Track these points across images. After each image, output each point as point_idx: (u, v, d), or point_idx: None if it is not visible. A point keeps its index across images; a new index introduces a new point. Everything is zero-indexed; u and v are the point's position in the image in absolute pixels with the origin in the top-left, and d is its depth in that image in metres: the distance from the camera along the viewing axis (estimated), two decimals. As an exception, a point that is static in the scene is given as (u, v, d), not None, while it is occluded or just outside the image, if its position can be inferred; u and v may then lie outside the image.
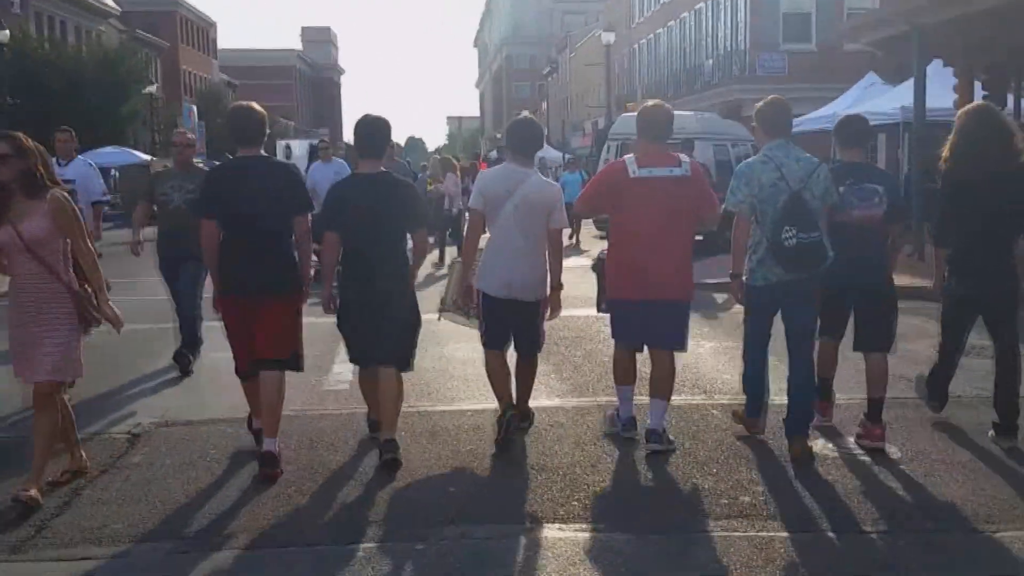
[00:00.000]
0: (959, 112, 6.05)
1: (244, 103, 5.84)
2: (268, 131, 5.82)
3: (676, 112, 18.67)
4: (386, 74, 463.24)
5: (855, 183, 5.81)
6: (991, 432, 6.01)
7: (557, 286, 5.97)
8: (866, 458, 5.77)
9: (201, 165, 8.16)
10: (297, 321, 5.65)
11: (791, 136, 5.80)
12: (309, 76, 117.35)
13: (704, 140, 18.51)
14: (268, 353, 5.48)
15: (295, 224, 5.58)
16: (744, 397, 6.19)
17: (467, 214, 6.92)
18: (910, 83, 21.00)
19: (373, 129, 5.74)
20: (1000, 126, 5.81)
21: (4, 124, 38.52)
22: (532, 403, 6.49)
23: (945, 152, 5.90)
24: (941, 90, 17.03)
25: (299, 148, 24.16)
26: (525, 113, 6.46)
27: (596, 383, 7.70)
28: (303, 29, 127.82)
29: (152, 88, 44.38)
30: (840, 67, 29.14)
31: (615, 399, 6.33)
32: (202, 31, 72.82)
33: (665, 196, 5.62)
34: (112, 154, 35.59)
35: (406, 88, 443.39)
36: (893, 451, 5.88)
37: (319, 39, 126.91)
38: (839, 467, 5.64)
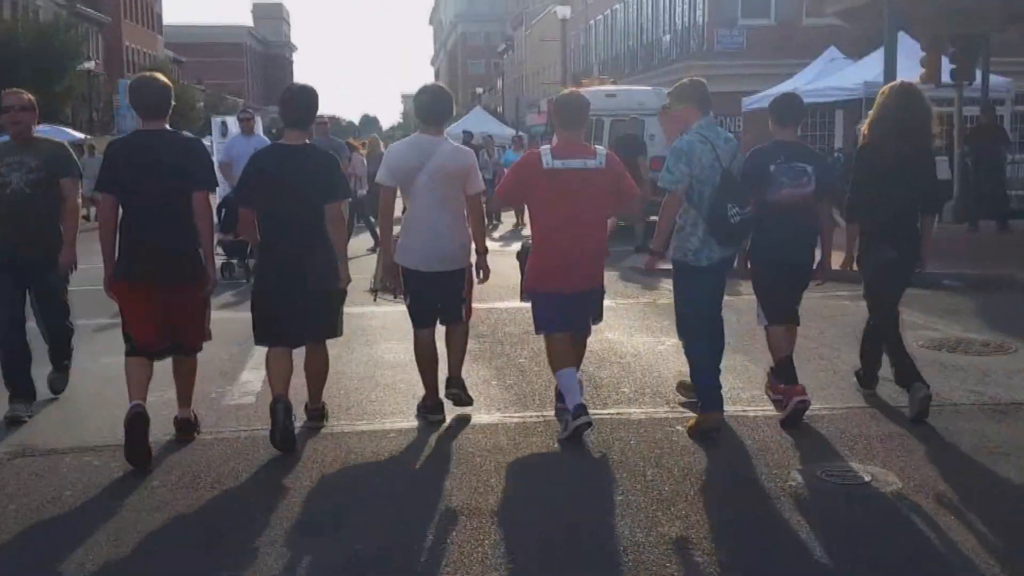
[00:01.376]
0: (881, 89, 6.08)
1: (148, 74, 5.62)
2: (172, 103, 5.53)
3: (634, 88, 17.54)
4: (340, 51, 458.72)
5: (784, 162, 5.83)
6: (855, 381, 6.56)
7: (482, 250, 5.94)
8: (863, 490, 4.86)
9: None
10: (205, 309, 5.67)
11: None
12: (260, 53, 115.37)
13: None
14: (189, 340, 5.58)
15: (193, 200, 5.35)
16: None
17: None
18: (873, 57, 20.50)
19: (298, 98, 5.59)
20: (920, 107, 5.90)
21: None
22: (473, 418, 6.11)
23: (864, 128, 6.00)
24: (907, 63, 16.39)
25: (235, 125, 22.75)
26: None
27: (544, 391, 6.68)
28: (255, 5, 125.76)
29: (90, 64, 42.70)
30: (799, 42, 28.74)
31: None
32: (146, 5, 70.66)
33: (578, 188, 5.56)
34: (43, 132, 33.99)
35: (361, 66, 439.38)
36: (891, 479, 4.97)
37: (271, 15, 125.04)
38: (836, 499, 4.74)
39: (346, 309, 5.90)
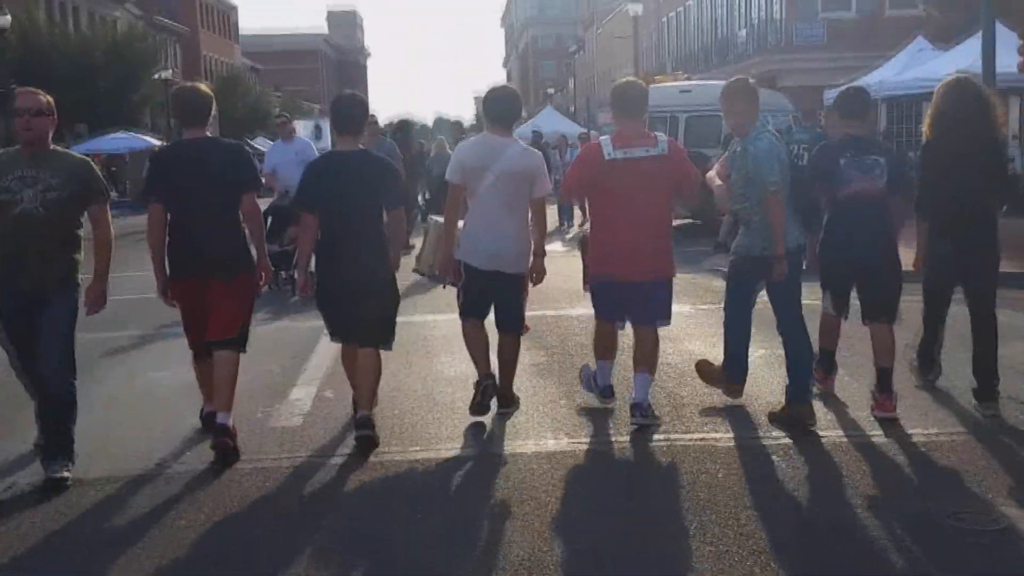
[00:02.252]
0: (939, 85, 5.95)
1: (189, 84, 5.76)
2: (214, 112, 5.66)
3: (710, 82, 16.49)
4: (413, 55, 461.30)
5: (855, 156, 5.75)
6: (973, 400, 5.91)
7: (540, 253, 5.83)
8: (998, 538, 4.11)
9: (62, 149, 5.44)
10: (247, 302, 5.55)
11: None
12: (334, 59, 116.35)
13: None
14: (217, 335, 5.40)
15: (243, 202, 5.44)
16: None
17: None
18: (963, 47, 19.43)
19: (348, 105, 5.67)
20: (980, 99, 5.82)
21: (8, 111, 37.77)
22: (538, 445, 5.51)
23: (926, 125, 5.95)
24: (1001, 52, 15.34)
25: (304, 130, 22.59)
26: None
27: (621, 412, 5.98)
28: (329, 13, 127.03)
29: (167, 73, 43.18)
30: (882, 34, 27.51)
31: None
32: (223, 15, 71.59)
33: (641, 177, 5.53)
34: (120, 139, 34.56)
35: (433, 69, 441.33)
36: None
37: (345, 22, 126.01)
38: (969, 552, 4.00)
39: (408, 318, 5.90)
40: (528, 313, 6.11)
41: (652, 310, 5.73)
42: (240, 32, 79.62)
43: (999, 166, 5.99)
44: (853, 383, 6.41)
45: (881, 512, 4.38)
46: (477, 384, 5.88)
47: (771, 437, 5.48)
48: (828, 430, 5.57)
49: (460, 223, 5.84)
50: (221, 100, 51.16)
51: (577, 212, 19.66)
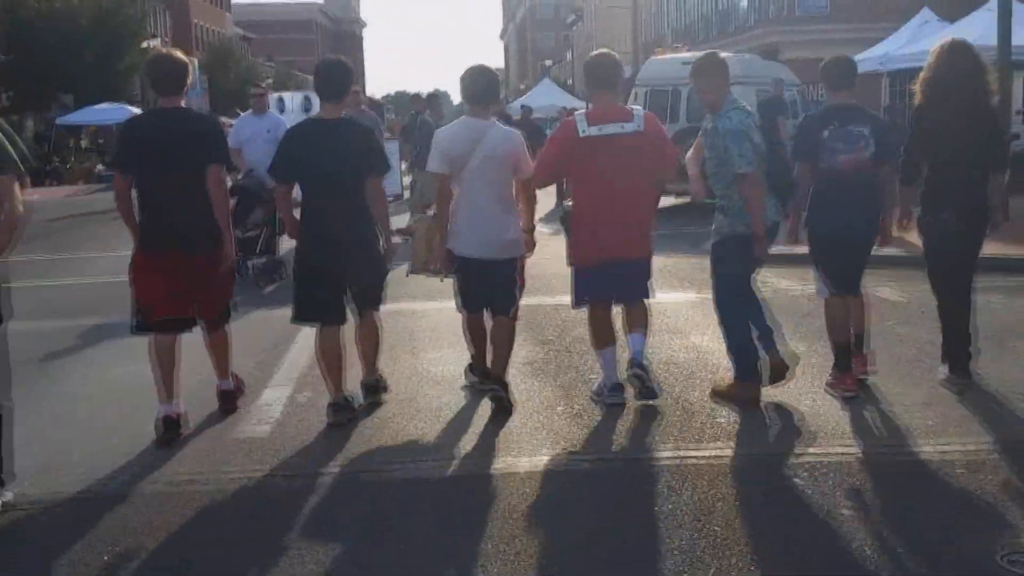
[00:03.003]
0: (933, 48, 5.74)
1: (165, 51, 5.62)
2: (189, 80, 5.44)
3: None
4: (410, 27, 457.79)
5: (839, 127, 5.64)
6: (942, 372, 5.88)
7: (529, 227, 5.69)
8: None
9: None
10: (225, 277, 5.51)
11: None
12: (330, 29, 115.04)
13: (745, 84, 16.00)
14: (209, 314, 5.47)
15: (208, 175, 5.25)
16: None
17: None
18: (970, 19, 18.78)
19: (328, 72, 5.55)
20: (974, 63, 5.63)
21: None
22: (531, 460, 4.90)
23: (917, 89, 5.75)
24: (1013, 25, 14.73)
25: (292, 101, 21.76)
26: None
27: (630, 423, 5.45)
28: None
29: (155, 41, 42.28)
30: (886, 5, 26.90)
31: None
32: (214, -17, 70.36)
33: (618, 153, 5.39)
34: (107, 111, 33.69)
35: (430, 41, 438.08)
36: None
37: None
38: None
39: (393, 307, 5.89)
40: (524, 302, 5.88)
41: (633, 288, 5.67)
42: (233, 1, 78.48)
43: (994, 132, 5.79)
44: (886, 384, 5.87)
45: (926, 552, 3.81)
46: (470, 369, 6.02)
47: (795, 452, 4.89)
48: (851, 442, 5.01)
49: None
50: (211, 71, 50.32)
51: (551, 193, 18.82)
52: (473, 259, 5.57)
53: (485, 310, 5.78)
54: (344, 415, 5.47)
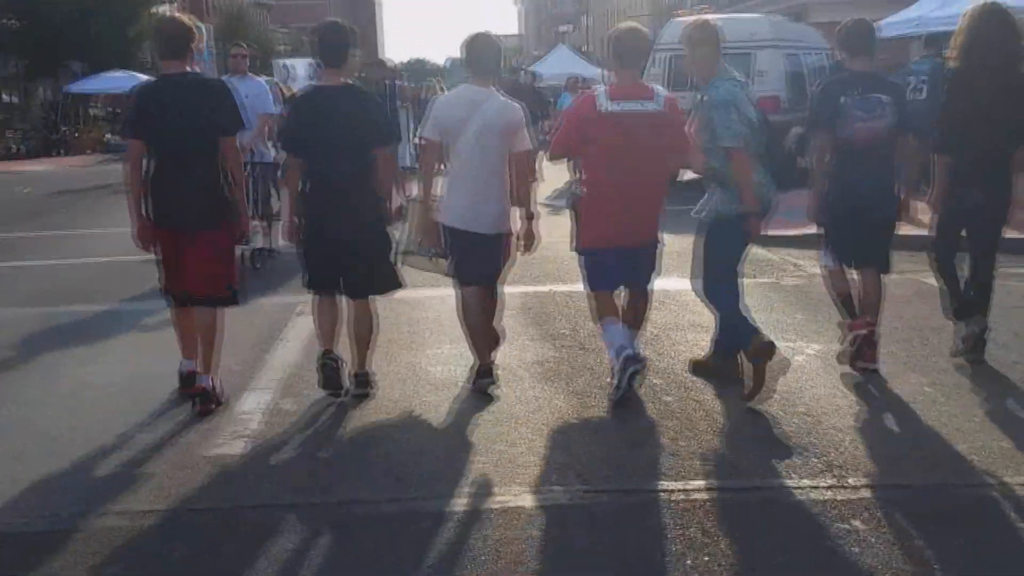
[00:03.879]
0: (966, 11, 5.55)
1: (169, 14, 5.57)
2: (194, 44, 5.21)
3: (742, 16, 15.39)
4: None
5: (859, 94, 5.41)
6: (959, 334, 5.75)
7: (530, 216, 5.45)
8: None
9: None
10: (229, 255, 5.38)
11: None
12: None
13: (775, 48, 15.16)
14: (201, 290, 5.24)
15: (222, 146, 5.16)
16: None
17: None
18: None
19: (327, 35, 5.34)
20: (1010, 26, 5.42)
21: (8, 48, 36.69)
22: (533, 498, 4.17)
23: (951, 53, 5.57)
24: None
25: (301, 68, 21.10)
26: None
27: (645, 448, 4.78)
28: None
29: (164, 7, 41.49)
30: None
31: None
32: (229, -52, 69.26)
33: (637, 133, 5.18)
34: (119, 79, 32.91)
35: (447, 7, 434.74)
36: None
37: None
38: None
39: (395, 296, 5.68)
40: (532, 288, 5.90)
41: (642, 273, 5.51)
42: (250, -32, 77.49)
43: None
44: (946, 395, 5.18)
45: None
46: (472, 372, 5.60)
47: (851, 486, 4.16)
48: (894, 472, 4.33)
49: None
50: (224, 38, 49.79)
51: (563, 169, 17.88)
52: (461, 231, 5.37)
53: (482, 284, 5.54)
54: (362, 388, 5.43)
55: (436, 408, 5.34)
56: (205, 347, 5.32)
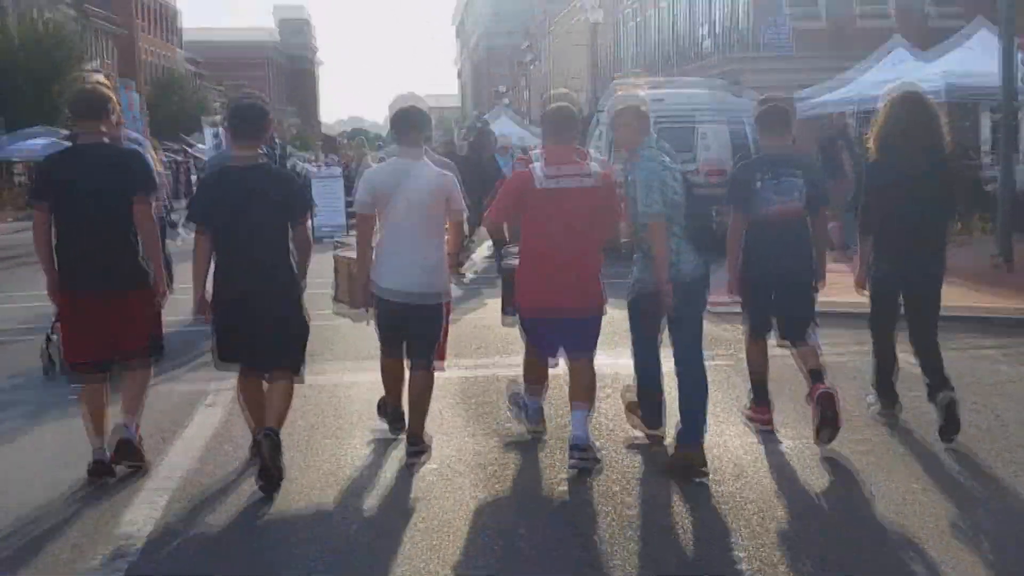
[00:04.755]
0: (886, 98, 5.76)
1: (89, 81, 5.62)
2: (112, 110, 5.27)
3: (683, 90, 15.21)
4: (364, 57, 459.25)
5: (771, 177, 5.61)
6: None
7: (453, 252, 5.61)
8: None
9: None
10: (149, 313, 5.26)
11: None
12: (283, 61, 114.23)
13: (717, 121, 14.86)
14: (125, 346, 5.16)
15: (134, 208, 5.11)
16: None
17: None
18: (945, 57, 17.97)
19: (248, 112, 5.27)
20: (928, 113, 5.66)
21: None
22: None
23: (871, 140, 5.76)
24: (985, 58, 14.68)
25: (209, 137, 20.37)
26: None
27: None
28: (280, 20, 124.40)
29: (94, 63, 40.65)
30: (852, 37, 26.29)
31: None
32: (164, 17, 69.07)
33: (573, 208, 5.24)
34: (38, 142, 31.63)
35: (386, 70, 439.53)
36: None
37: (293, 18, 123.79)
38: None
39: (320, 375, 5.81)
40: (472, 371, 6.07)
41: (581, 343, 5.38)
42: (186, 35, 77.13)
43: (949, 183, 5.76)
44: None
45: None
46: (382, 404, 5.74)
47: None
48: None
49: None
50: (155, 100, 48.84)
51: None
52: (394, 301, 5.32)
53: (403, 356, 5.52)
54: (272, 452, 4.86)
55: (361, 512, 4.58)
56: (133, 397, 5.20)
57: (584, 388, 5.31)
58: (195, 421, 6.20)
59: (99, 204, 5.03)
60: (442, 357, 5.53)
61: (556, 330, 5.33)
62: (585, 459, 5.05)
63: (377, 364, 5.64)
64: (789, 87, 22.09)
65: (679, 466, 5.04)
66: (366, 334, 5.87)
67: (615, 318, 5.51)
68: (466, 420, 6.19)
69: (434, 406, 5.62)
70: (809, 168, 5.78)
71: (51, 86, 35.22)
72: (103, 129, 5.18)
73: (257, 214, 5.03)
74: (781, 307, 5.71)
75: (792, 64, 27.45)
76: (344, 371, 7.32)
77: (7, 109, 33.76)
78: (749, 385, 5.92)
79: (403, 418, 5.50)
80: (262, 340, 5.05)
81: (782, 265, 5.59)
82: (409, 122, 5.43)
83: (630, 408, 5.74)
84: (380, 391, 5.77)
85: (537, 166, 5.30)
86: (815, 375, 5.54)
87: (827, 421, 5.25)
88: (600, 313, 5.39)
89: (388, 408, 5.71)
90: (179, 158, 44.92)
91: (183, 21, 75.89)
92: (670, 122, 14.54)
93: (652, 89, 18.88)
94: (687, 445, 5.09)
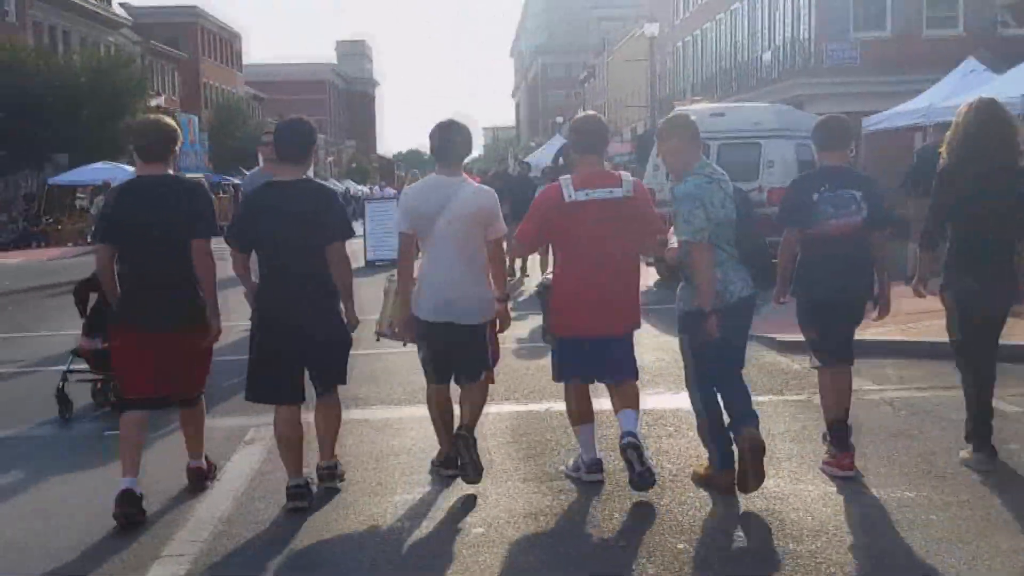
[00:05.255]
0: (962, 106, 5.55)
1: (153, 116, 5.54)
2: (176, 147, 5.22)
3: (747, 104, 14.77)
4: (422, 85, 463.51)
5: (829, 190, 5.36)
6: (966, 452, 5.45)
7: (503, 298, 5.42)
8: None
9: None
10: (205, 354, 5.27)
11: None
12: (343, 89, 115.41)
13: (783, 138, 14.28)
14: (184, 387, 5.23)
15: (193, 244, 5.02)
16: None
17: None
18: (1018, 71, 17.24)
19: (286, 131, 5.22)
20: (1003, 122, 5.42)
21: (-3, 141, 35.92)
22: None
23: (943, 148, 5.53)
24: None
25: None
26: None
27: None
28: (338, 43, 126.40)
29: (159, 100, 41.15)
30: (920, 57, 25.46)
31: None
32: (225, 43, 70.07)
33: (606, 221, 5.06)
34: (101, 170, 32.20)
35: (443, 99, 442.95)
36: None
37: (354, 52, 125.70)
38: None
39: (364, 413, 5.72)
40: (524, 407, 5.80)
41: (620, 366, 5.24)
42: (247, 62, 78.23)
43: (1021, 194, 5.41)
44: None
45: None
46: (436, 461, 5.52)
47: None
48: None
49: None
50: (216, 130, 49.34)
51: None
52: (437, 324, 5.19)
53: (449, 382, 5.39)
54: (304, 499, 4.98)
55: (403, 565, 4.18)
56: (196, 435, 5.40)
57: (628, 396, 5.21)
58: (232, 461, 5.86)
59: (161, 241, 5.00)
60: (494, 363, 5.47)
61: (592, 352, 5.17)
62: (635, 442, 4.95)
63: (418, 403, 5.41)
64: (859, 109, 21.64)
65: (744, 451, 4.86)
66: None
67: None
68: (516, 463, 5.75)
69: (483, 444, 5.34)
70: (869, 184, 5.52)
71: (116, 121, 35.57)
72: (167, 170, 5.17)
73: (295, 233, 4.95)
74: (834, 325, 5.48)
75: (860, 78, 26.80)
76: (389, 407, 6.95)
77: (72, 145, 34.20)
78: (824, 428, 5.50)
79: (456, 462, 5.22)
80: (303, 363, 5.06)
81: (840, 282, 5.36)
82: (447, 137, 5.28)
83: (697, 473, 5.29)
84: (429, 433, 5.36)
85: (566, 179, 5.18)
86: (840, 431, 5.37)
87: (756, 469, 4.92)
88: (633, 331, 5.33)
89: (441, 457, 5.47)
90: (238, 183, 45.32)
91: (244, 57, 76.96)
92: (731, 139, 14.06)
93: (715, 104, 18.47)
94: (742, 430, 4.91)
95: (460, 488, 5.19)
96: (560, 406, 6.58)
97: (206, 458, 5.50)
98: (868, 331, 6.09)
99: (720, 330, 4.87)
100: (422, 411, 5.67)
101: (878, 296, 5.51)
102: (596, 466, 5.29)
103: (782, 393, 7.25)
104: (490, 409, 5.20)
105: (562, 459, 5.69)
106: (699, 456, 5.38)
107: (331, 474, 5.30)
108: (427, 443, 5.78)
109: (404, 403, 7.07)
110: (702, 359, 5.08)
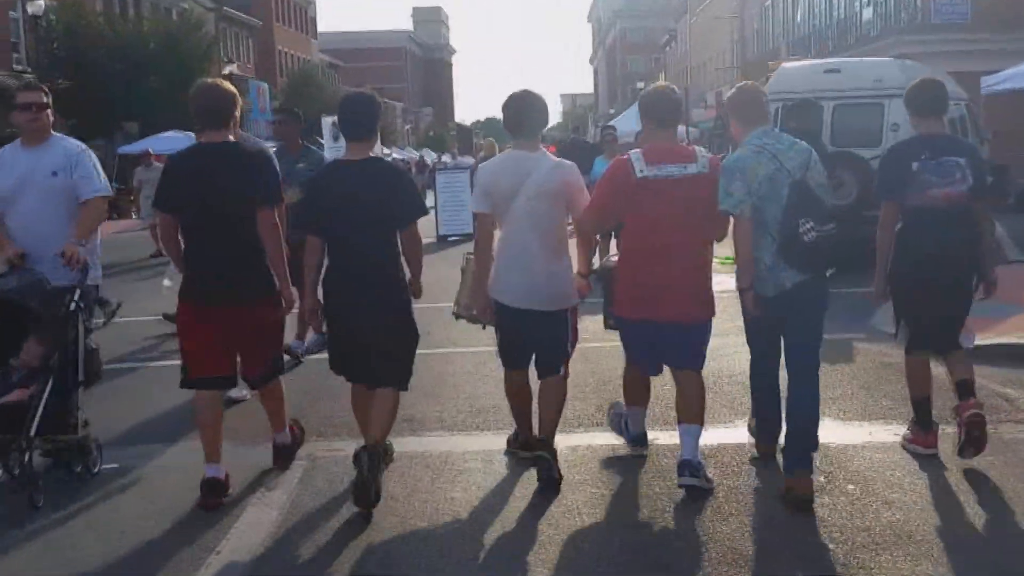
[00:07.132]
0: None
1: (211, 80, 5.30)
2: (238, 112, 5.03)
3: (867, 59, 12.97)
4: (499, 52, 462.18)
5: (931, 158, 4.98)
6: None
7: (584, 272, 5.18)
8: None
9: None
10: (275, 329, 5.13)
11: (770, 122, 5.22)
12: (420, 56, 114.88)
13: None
14: (253, 371, 5.09)
15: (258, 218, 4.86)
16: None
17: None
18: None
19: (350, 107, 5.02)
20: None
21: (59, 109, 35.21)
22: None
23: None
24: None
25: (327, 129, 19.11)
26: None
27: None
28: (414, 10, 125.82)
29: (232, 67, 40.43)
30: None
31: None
32: (299, 9, 69.48)
33: (678, 199, 4.79)
34: (172, 139, 31.56)
35: (519, 66, 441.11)
36: None
37: (430, 18, 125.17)
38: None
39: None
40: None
41: (684, 355, 4.93)
42: (322, 30, 77.80)
43: None
44: None
45: None
46: (511, 441, 5.37)
47: None
48: None
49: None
50: (289, 97, 48.55)
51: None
52: (515, 309, 4.99)
53: (527, 368, 5.19)
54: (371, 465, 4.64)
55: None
56: (276, 411, 5.21)
57: (693, 405, 4.89)
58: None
59: (220, 211, 4.81)
60: (572, 348, 5.22)
61: (658, 339, 4.90)
62: (696, 476, 4.70)
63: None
64: (971, 69, 19.76)
65: (788, 500, 4.54)
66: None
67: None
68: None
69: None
70: (972, 151, 5.16)
71: (186, 88, 34.82)
72: (228, 136, 4.93)
73: (362, 215, 4.76)
74: (936, 305, 5.08)
75: (969, 42, 24.82)
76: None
77: (143, 111, 33.57)
78: (909, 406, 5.28)
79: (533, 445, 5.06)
80: (366, 354, 4.83)
81: (948, 256, 4.98)
82: (521, 110, 5.05)
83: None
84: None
85: (636, 154, 4.88)
86: (964, 388, 5.05)
87: (972, 440, 4.87)
88: (708, 320, 4.97)
89: (520, 438, 5.30)
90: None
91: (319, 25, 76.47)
92: (848, 99, 12.32)
93: (827, 60, 16.64)
94: (791, 472, 4.59)
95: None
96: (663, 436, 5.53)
97: (293, 424, 5.36)
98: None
99: (767, 320, 4.71)
100: (491, 440, 5.40)
101: (981, 274, 5.12)
102: (641, 439, 5.34)
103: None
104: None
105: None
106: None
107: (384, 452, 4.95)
108: (496, 498, 4.80)
109: (470, 429, 5.91)
110: (753, 339, 4.99)
